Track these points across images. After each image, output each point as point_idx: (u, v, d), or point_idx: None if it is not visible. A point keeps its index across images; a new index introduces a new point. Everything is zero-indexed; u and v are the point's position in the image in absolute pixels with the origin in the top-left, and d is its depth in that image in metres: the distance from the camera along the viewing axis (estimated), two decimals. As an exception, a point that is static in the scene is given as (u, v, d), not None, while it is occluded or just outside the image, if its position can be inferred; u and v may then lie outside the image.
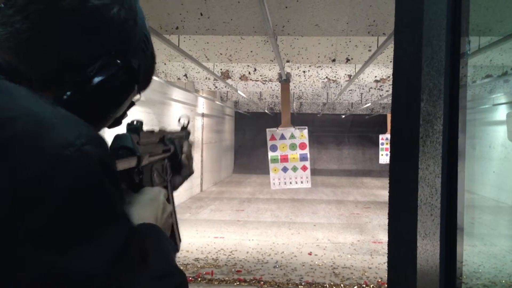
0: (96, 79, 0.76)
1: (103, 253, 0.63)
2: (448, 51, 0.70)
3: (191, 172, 1.30)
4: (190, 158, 1.29)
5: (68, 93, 0.75)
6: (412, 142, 0.82)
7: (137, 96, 0.90)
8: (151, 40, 0.90)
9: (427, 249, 0.77)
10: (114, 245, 0.65)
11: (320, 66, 9.18)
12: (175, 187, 1.23)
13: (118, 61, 0.79)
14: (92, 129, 0.69)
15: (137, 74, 0.84)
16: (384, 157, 15.34)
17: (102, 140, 0.69)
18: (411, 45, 0.82)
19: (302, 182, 7.77)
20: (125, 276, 0.65)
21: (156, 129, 1.18)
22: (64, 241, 0.61)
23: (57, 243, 0.60)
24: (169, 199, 1.09)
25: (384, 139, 15.41)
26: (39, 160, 0.61)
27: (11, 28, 0.72)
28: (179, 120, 1.36)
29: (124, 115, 0.90)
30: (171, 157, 1.22)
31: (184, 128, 1.35)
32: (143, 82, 0.90)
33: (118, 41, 0.80)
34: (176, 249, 1.08)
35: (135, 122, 1.01)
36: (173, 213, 1.07)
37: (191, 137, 1.38)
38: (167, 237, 0.92)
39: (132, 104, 0.90)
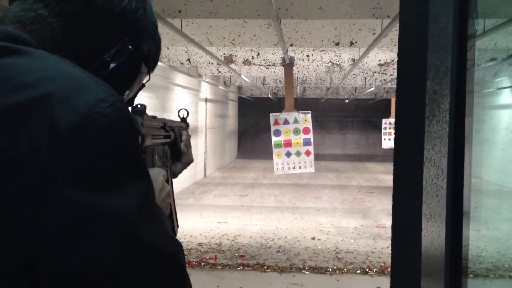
0: (112, 64, 0.85)
1: (133, 199, 0.70)
2: (456, 27, 0.68)
3: (190, 160, 1.38)
4: (189, 146, 1.38)
5: None
6: (418, 122, 0.81)
7: (147, 78, 0.99)
8: (157, 26, 0.98)
9: (432, 230, 0.76)
10: (141, 194, 0.72)
11: (323, 50, 9.13)
12: (175, 174, 1.31)
13: (130, 47, 0.87)
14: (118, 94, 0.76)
15: (147, 58, 0.93)
16: (387, 142, 15.29)
17: (126, 103, 0.77)
18: (416, 22, 0.80)
19: (305, 167, 7.76)
20: (148, 224, 0.72)
21: (159, 115, 1.23)
22: (100, 185, 0.68)
23: (94, 186, 0.67)
24: (168, 182, 1.12)
25: (387, 123, 15.35)
26: (76, 114, 0.68)
27: (35, 13, 0.81)
28: (178, 112, 1.45)
29: (136, 95, 1.00)
30: (171, 143, 1.29)
31: (183, 119, 1.43)
32: (151, 65, 0.98)
33: (130, 29, 0.88)
34: (173, 230, 1.13)
35: (139, 106, 1.09)
36: (171, 196, 1.10)
37: (194, 123, 1.45)
38: (164, 213, 0.96)
39: (143, 85, 1.00)
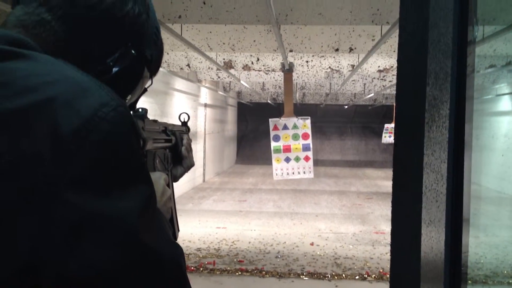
0: (115, 69, 0.85)
1: (134, 203, 0.70)
2: (456, 32, 0.68)
3: (191, 164, 1.38)
4: (190, 150, 1.38)
5: None
6: (417, 128, 0.81)
7: (149, 83, 1.00)
8: (160, 31, 0.98)
9: (432, 236, 0.76)
10: (142, 198, 0.72)
11: (323, 56, 9.14)
12: (176, 178, 1.30)
13: (133, 52, 0.88)
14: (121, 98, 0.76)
15: (150, 62, 0.93)
16: (387, 138, 15.29)
17: (128, 108, 0.77)
18: (416, 28, 0.80)
19: (304, 173, 7.76)
20: (149, 228, 0.72)
21: (159, 119, 1.24)
22: (103, 189, 0.68)
23: (97, 190, 0.67)
24: (169, 186, 1.12)
25: (389, 128, 15.37)
26: (78, 118, 0.68)
27: (38, 17, 0.81)
28: (179, 116, 1.45)
29: (138, 100, 1.01)
30: (172, 147, 1.29)
31: (184, 123, 1.43)
32: (153, 69, 0.98)
33: (133, 33, 0.88)
34: (174, 234, 1.13)
35: (140, 110, 1.09)
36: (172, 200, 1.10)
37: (193, 128, 1.45)
38: (165, 218, 0.95)
39: (145, 90, 1.00)
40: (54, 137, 0.66)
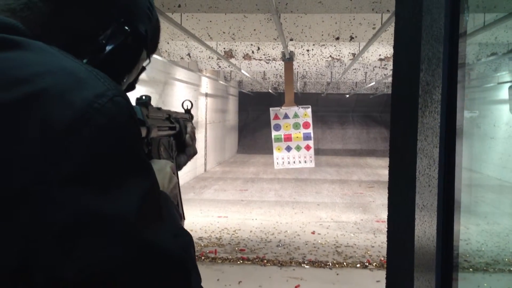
0: (108, 46, 0.81)
1: (133, 198, 0.66)
2: (448, 18, 0.69)
3: (195, 152, 1.35)
4: (193, 138, 1.35)
5: (84, 60, 0.78)
6: (412, 114, 0.81)
7: (147, 61, 0.95)
8: (154, 6, 0.94)
9: (425, 220, 0.77)
10: (142, 192, 0.68)
11: (324, 45, 9.12)
12: (180, 166, 1.29)
13: (127, 28, 0.83)
14: (118, 85, 0.72)
15: (145, 39, 0.89)
16: None
17: (127, 96, 0.72)
18: (411, 14, 0.80)
19: (305, 162, 7.78)
20: (149, 223, 0.68)
21: (163, 107, 1.23)
22: (99, 185, 0.64)
23: (93, 187, 0.63)
24: (175, 173, 1.12)
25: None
26: (72, 111, 0.63)
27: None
28: (182, 104, 1.44)
29: (136, 80, 0.96)
30: (176, 135, 1.28)
31: (187, 111, 1.42)
32: (151, 47, 0.94)
33: (126, 9, 0.84)
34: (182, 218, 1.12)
35: (144, 97, 1.07)
36: (178, 187, 1.10)
37: (194, 118, 1.45)
38: (174, 203, 0.94)
39: (143, 69, 0.96)
40: (46, 132, 0.62)
